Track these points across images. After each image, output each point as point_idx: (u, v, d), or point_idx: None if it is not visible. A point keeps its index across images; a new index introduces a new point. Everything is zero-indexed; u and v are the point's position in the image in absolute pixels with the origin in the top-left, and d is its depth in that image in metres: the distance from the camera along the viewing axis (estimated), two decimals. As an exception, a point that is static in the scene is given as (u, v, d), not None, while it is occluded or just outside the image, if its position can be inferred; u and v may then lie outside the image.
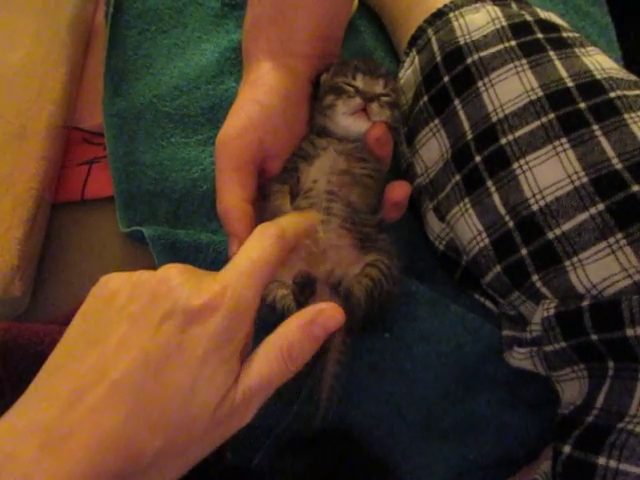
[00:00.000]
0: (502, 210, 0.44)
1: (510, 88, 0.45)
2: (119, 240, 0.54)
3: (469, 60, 0.47)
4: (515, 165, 0.43)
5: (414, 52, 0.52)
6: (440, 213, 0.50)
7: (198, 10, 0.61)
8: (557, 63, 0.45)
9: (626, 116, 0.42)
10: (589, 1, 0.67)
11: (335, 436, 0.46)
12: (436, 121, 0.49)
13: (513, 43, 0.46)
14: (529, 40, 0.46)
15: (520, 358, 0.45)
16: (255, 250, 0.35)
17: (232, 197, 0.42)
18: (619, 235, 0.39)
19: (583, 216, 0.41)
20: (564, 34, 0.47)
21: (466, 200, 0.46)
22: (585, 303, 0.40)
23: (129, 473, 0.29)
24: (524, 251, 0.43)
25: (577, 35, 0.48)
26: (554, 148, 0.42)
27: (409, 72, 0.53)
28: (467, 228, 0.47)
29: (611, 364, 0.40)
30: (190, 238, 0.52)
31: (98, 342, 0.31)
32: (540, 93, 0.44)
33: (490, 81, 0.46)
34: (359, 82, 0.45)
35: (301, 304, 0.42)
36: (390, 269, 0.44)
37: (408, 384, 0.47)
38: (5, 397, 0.42)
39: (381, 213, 0.46)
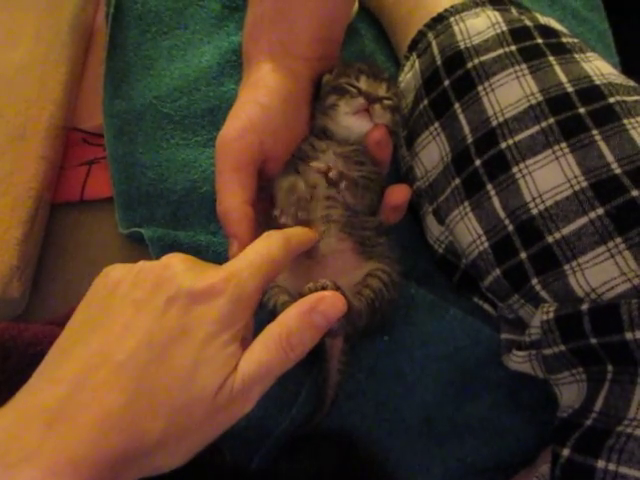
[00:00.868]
0: (502, 214, 0.44)
1: (510, 93, 0.45)
2: (118, 241, 0.54)
3: (469, 64, 0.47)
4: (515, 169, 0.44)
5: (414, 56, 0.52)
6: (440, 216, 0.50)
7: (199, 12, 0.61)
8: (557, 68, 0.45)
9: (625, 121, 0.42)
10: (587, 7, 0.67)
11: (333, 438, 0.46)
12: (436, 125, 0.49)
13: (513, 48, 0.47)
14: (529, 45, 0.47)
15: (519, 361, 0.45)
16: (262, 247, 0.36)
17: (232, 199, 0.42)
18: (618, 239, 0.39)
19: (582, 220, 0.41)
20: (564, 39, 0.48)
21: (466, 204, 0.47)
22: (584, 307, 0.40)
23: (133, 454, 0.29)
24: (523, 255, 0.43)
25: (576, 40, 0.48)
26: (554, 152, 0.43)
27: (409, 76, 0.53)
28: (466, 231, 0.47)
29: (610, 368, 0.40)
30: (189, 239, 0.52)
31: (102, 327, 0.32)
32: (540, 98, 0.44)
33: (490, 85, 0.46)
34: (362, 84, 0.45)
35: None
36: (391, 276, 0.44)
37: (407, 387, 0.47)
38: (4, 397, 0.42)
39: (380, 216, 0.47)
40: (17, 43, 0.56)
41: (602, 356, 0.40)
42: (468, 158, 0.46)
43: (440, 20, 0.51)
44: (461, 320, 0.48)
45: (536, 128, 0.44)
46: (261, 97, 0.44)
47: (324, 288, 0.38)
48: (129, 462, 0.29)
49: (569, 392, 0.43)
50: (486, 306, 0.50)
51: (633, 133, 0.41)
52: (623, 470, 0.36)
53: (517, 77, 0.45)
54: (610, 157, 0.41)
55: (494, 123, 0.45)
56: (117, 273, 0.34)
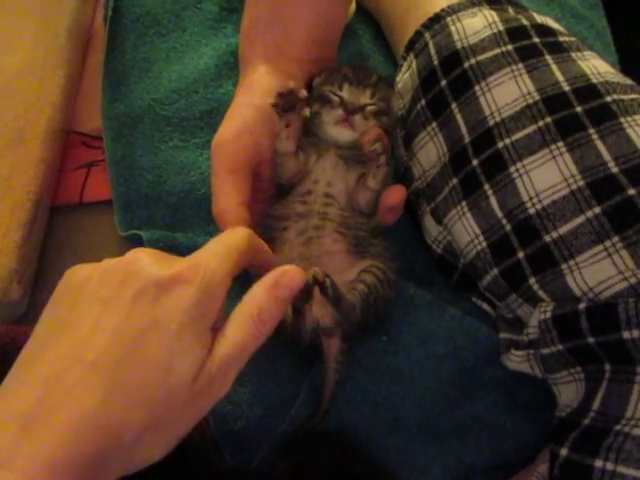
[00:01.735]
0: (499, 213, 0.44)
1: (507, 92, 0.45)
2: (117, 243, 0.55)
3: (466, 64, 0.47)
4: (512, 169, 0.44)
5: (411, 56, 0.52)
6: (437, 216, 0.50)
7: (196, 14, 0.61)
8: (554, 67, 0.45)
9: (622, 120, 0.42)
10: (585, 5, 0.67)
11: (332, 439, 0.46)
12: (433, 125, 0.49)
13: (510, 47, 0.46)
14: (526, 44, 0.47)
15: (517, 361, 0.45)
16: (228, 238, 0.36)
17: (227, 200, 0.42)
18: (615, 238, 0.39)
19: (579, 219, 0.41)
20: (560, 38, 0.48)
21: (463, 203, 0.47)
22: (582, 306, 0.40)
23: (113, 451, 0.29)
24: (521, 254, 0.43)
25: (573, 39, 0.48)
26: (551, 152, 0.43)
27: (406, 76, 0.53)
28: (464, 231, 0.47)
29: (608, 367, 0.40)
30: (188, 241, 0.52)
31: (71, 327, 0.31)
32: (537, 97, 0.44)
33: (487, 85, 0.46)
34: (345, 92, 0.45)
35: (299, 310, 0.42)
36: (385, 274, 0.44)
37: (405, 387, 0.47)
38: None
39: (376, 217, 0.47)
40: (16, 47, 0.56)
41: (600, 355, 0.40)
42: (465, 158, 0.46)
43: (437, 20, 0.51)
44: (460, 320, 0.48)
45: (533, 127, 0.44)
46: (256, 99, 0.44)
47: (315, 277, 0.39)
48: (109, 459, 0.29)
49: (567, 391, 0.43)
50: (484, 306, 0.50)
51: (630, 132, 0.41)
52: (621, 469, 0.36)
53: (514, 76, 0.45)
54: (607, 156, 0.41)
55: (491, 123, 0.45)
56: (83, 273, 0.34)
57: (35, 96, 0.55)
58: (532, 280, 0.43)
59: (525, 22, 0.48)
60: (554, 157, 0.42)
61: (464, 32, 0.48)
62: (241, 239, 0.36)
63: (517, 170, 0.43)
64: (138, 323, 0.31)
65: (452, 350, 0.48)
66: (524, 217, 0.43)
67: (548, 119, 0.43)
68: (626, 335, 0.38)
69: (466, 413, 0.47)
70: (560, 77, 0.45)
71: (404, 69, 0.54)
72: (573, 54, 0.47)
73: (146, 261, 0.33)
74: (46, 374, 0.30)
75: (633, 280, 0.39)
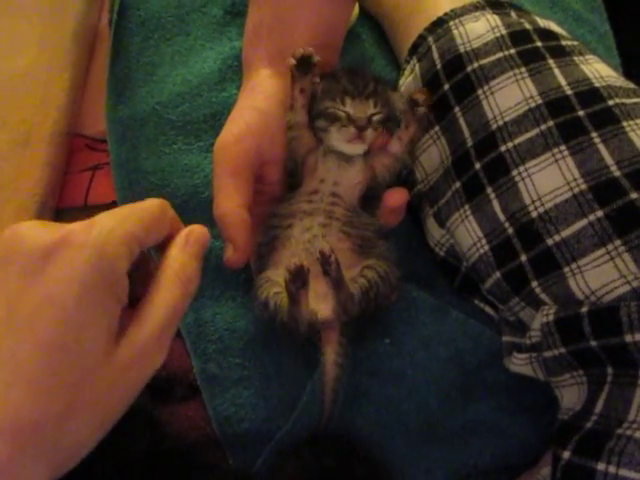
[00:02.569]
0: (502, 217, 0.44)
1: (510, 96, 0.45)
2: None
3: (469, 68, 0.47)
4: (514, 172, 0.44)
5: (414, 60, 0.53)
6: (440, 219, 0.50)
7: (201, 18, 0.62)
8: (556, 71, 0.45)
9: (624, 124, 0.42)
10: (588, 8, 0.67)
11: (335, 441, 0.47)
12: (436, 128, 0.49)
13: (513, 51, 0.47)
14: (528, 48, 0.47)
15: (520, 364, 0.45)
16: (137, 203, 0.33)
17: (228, 202, 0.42)
18: (618, 242, 0.40)
19: (582, 223, 0.41)
20: (563, 42, 0.48)
21: (466, 207, 0.47)
22: (584, 309, 0.40)
23: (33, 449, 0.27)
24: (523, 257, 0.43)
25: (576, 43, 0.49)
26: (553, 155, 0.43)
27: (409, 80, 0.53)
28: (467, 234, 0.47)
29: (610, 370, 0.40)
30: (192, 244, 0.52)
31: None
32: (539, 101, 0.44)
33: (490, 89, 0.46)
34: (349, 107, 0.44)
35: (294, 296, 0.42)
36: (387, 274, 0.44)
37: (408, 389, 0.47)
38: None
39: (380, 219, 0.47)
40: (21, 50, 0.56)
41: (602, 358, 0.40)
42: (468, 161, 0.47)
43: (440, 24, 0.51)
44: (462, 323, 0.48)
45: (535, 131, 0.44)
46: (259, 102, 0.45)
47: (322, 251, 0.40)
48: (33, 457, 0.27)
49: (570, 394, 0.43)
50: (487, 309, 0.50)
51: (632, 135, 0.42)
52: (623, 472, 0.36)
53: (516, 80, 0.46)
54: (609, 160, 0.41)
55: (494, 126, 0.45)
56: None
57: (40, 99, 0.55)
58: (534, 283, 0.43)
59: (528, 26, 0.48)
60: (556, 161, 0.43)
61: (467, 36, 0.49)
62: (153, 204, 0.33)
63: (520, 174, 0.44)
64: (29, 304, 0.28)
65: (455, 353, 0.48)
66: (526, 220, 0.43)
67: (550, 123, 0.43)
68: (628, 338, 0.38)
69: (469, 416, 0.47)
70: (562, 81, 0.45)
71: (407, 73, 0.54)
72: (576, 58, 0.47)
73: (28, 232, 0.29)
74: None
75: (635, 284, 0.39)
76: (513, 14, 0.51)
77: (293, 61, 0.43)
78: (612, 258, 0.40)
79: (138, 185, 0.55)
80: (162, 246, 0.35)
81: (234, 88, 0.57)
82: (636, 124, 0.42)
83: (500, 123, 0.45)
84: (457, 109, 0.48)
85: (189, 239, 0.34)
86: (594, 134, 0.42)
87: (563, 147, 0.42)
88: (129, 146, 0.57)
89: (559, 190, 0.42)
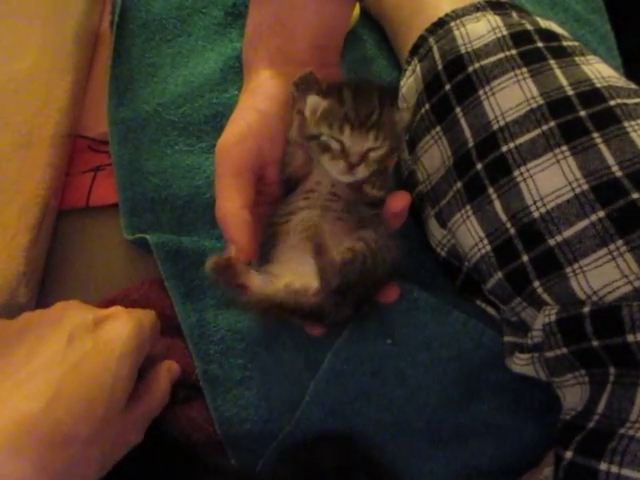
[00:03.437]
0: (503, 217, 0.44)
1: (511, 96, 0.45)
2: (124, 247, 0.55)
3: (470, 69, 0.47)
4: (516, 172, 0.44)
5: (415, 61, 0.53)
6: (442, 220, 0.50)
7: (202, 19, 0.62)
8: (557, 72, 0.45)
9: (626, 124, 0.42)
10: (589, 9, 0.67)
11: (337, 442, 0.47)
12: (437, 129, 0.50)
13: (514, 52, 0.47)
14: (530, 49, 0.47)
15: (521, 364, 0.45)
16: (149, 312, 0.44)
17: (230, 203, 0.42)
18: (619, 242, 0.40)
19: (583, 223, 0.41)
20: (564, 43, 0.48)
21: (467, 207, 0.47)
22: (586, 309, 0.40)
23: (60, 464, 0.32)
24: (525, 258, 0.43)
25: (577, 44, 0.49)
26: (555, 156, 0.43)
27: (410, 80, 0.53)
28: (468, 235, 0.47)
29: (612, 370, 0.40)
30: (194, 245, 0.52)
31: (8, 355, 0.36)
32: (541, 101, 0.44)
33: (491, 89, 0.46)
34: (346, 137, 0.41)
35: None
36: (380, 249, 0.42)
37: (410, 390, 0.47)
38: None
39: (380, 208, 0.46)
40: (23, 52, 0.56)
41: (604, 358, 0.40)
42: (469, 162, 0.47)
43: (441, 25, 0.51)
44: (464, 323, 0.48)
45: (537, 131, 0.44)
46: (260, 103, 0.45)
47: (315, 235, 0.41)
48: (59, 472, 0.32)
49: (572, 394, 0.43)
50: (489, 309, 0.50)
51: (634, 136, 0.42)
52: (626, 472, 0.36)
53: (518, 81, 0.46)
54: (611, 160, 0.41)
55: (495, 127, 0.45)
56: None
57: (42, 101, 0.55)
58: (536, 283, 0.43)
59: (529, 27, 0.48)
60: (558, 161, 0.43)
61: (468, 37, 0.49)
62: (155, 319, 0.43)
63: (521, 174, 0.44)
64: (79, 347, 0.35)
65: (456, 353, 0.48)
66: (528, 221, 0.43)
67: (552, 123, 0.44)
68: (630, 338, 0.38)
69: (471, 416, 0.47)
70: (564, 81, 0.45)
71: (408, 73, 0.54)
72: (577, 58, 0.47)
73: (80, 305, 0.40)
74: None
75: (637, 283, 0.39)
76: (514, 15, 0.51)
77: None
78: (614, 258, 0.40)
79: (140, 186, 0.55)
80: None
81: (235, 89, 0.57)
82: (638, 124, 0.42)
83: (501, 123, 0.45)
84: (458, 109, 0.48)
85: (172, 367, 0.45)
86: (596, 134, 0.42)
87: (565, 147, 0.43)
88: (131, 147, 0.57)
89: (561, 190, 0.42)
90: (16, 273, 0.48)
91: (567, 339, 0.41)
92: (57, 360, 0.34)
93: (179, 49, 0.60)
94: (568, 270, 0.41)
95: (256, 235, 0.42)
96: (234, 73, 0.58)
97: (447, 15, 0.51)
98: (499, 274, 0.45)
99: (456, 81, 0.48)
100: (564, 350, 0.41)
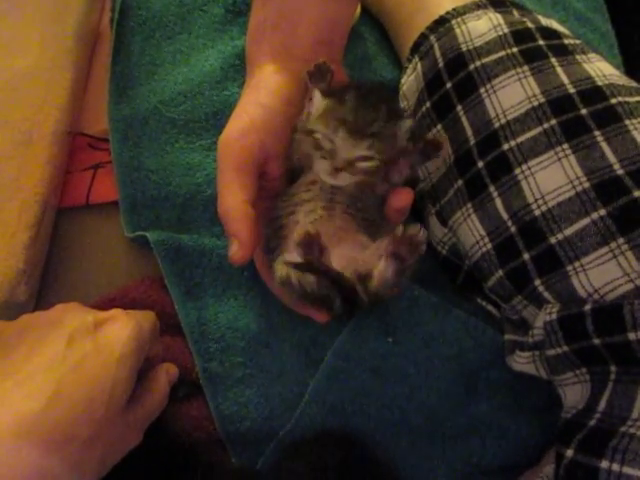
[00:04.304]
0: (504, 215, 0.44)
1: (512, 94, 0.45)
2: (124, 244, 0.55)
3: (471, 66, 0.47)
4: (517, 170, 0.44)
5: (416, 58, 0.53)
6: (442, 218, 0.50)
7: (202, 17, 0.61)
8: (559, 70, 0.45)
9: (627, 122, 0.42)
10: (590, 8, 0.67)
11: (338, 439, 0.47)
12: (438, 127, 0.49)
13: (515, 50, 0.47)
14: (531, 47, 0.47)
15: (522, 362, 0.45)
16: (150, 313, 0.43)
17: (233, 198, 0.42)
18: (621, 240, 0.39)
19: (585, 221, 0.41)
20: (565, 41, 0.48)
21: (468, 205, 0.47)
22: (587, 307, 0.40)
23: (57, 464, 0.32)
24: (526, 256, 0.43)
25: (578, 42, 0.49)
26: (556, 154, 0.43)
27: (411, 78, 0.53)
28: (469, 233, 0.47)
29: (613, 368, 0.40)
30: (194, 242, 0.52)
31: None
32: (542, 99, 0.44)
33: (492, 87, 0.46)
34: (339, 140, 0.40)
35: (313, 265, 0.40)
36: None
37: (410, 388, 0.47)
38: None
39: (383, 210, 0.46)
40: (23, 50, 0.56)
41: (605, 357, 0.40)
42: (471, 160, 0.47)
43: (442, 23, 0.51)
44: (465, 321, 0.48)
45: (538, 129, 0.44)
46: (262, 98, 0.45)
47: (304, 237, 0.40)
48: (55, 473, 0.32)
49: (573, 393, 0.43)
50: (489, 307, 0.50)
51: (635, 134, 0.41)
52: (627, 470, 0.36)
53: (519, 79, 0.46)
54: (612, 158, 0.41)
55: (496, 125, 0.45)
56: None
57: (42, 98, 0.55)
58: (537, 282, 0.43)
59: (530, 25, 0.48)
60: (559, 159, 0.42)
61: (469, 35, 0.49)
62: (154, 321, 0.42)
63: (522, 172, 0.44)
64: (79, 348, 0.35)
65: (457, 352, 0.48)
66: (529, 219, 0.43)
67: (553, 121, 0.43)
68: (631, 336, 0.38)
69: (471, 414, 0.47)
70: (565, 79, 0.45)
71: (409, 71, 0.54)
72: (578, 56, 0.47)
73: (79, 307, 0.39)
74: None
75: (638, 282, 0.39)
76: (515, 13, 0.51)
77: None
78: (615, 256, 0.40)
79: (140, 184, 0.55)
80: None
81: (235, 87, 0.57)
82: (639, 122, 0.42)
83: (503, 121, 0.45)
84: (459, 107, 0.48)
85: (170, 369, 0.44)
86: (597, 132, 0.42)
87: (566, 145, 0.42)
88: (131, 145, 0.57)
89: (562, 188, 0.42)
90: (16, 271, 0.48)
91: (568, 337, 0.41)
92: (57, 361, 0.34)
93: (179, 47, 0.60)
94: (569, 268, 0.41)
95: (259, 230, 0.42)
96: (234, 71, 0.58)
97: (448, 13, 0.51)
98: (500, 272, 0.45)
99: (457, 79, 0.48)
100: (565, 348, 0.41)
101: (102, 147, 0.59)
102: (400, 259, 0.40)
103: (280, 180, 0.47)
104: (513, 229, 0.44)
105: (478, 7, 0.50)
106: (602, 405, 0.39)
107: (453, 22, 0.50)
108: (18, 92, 0.55)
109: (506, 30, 0.48)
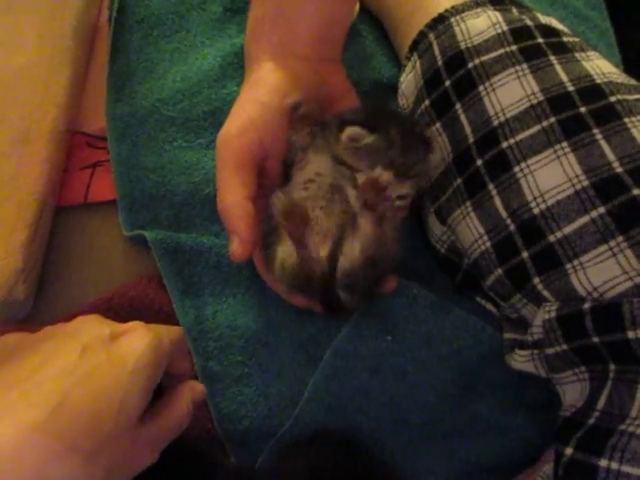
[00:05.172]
0: (503, 213, 0.44)
1: (511, 92, 0.45)
2: (122, 243, 0.55)
3: (470, 64, 0.47)
4: (516, 169, 0.44)
5: (415, 56, 0.53)
6: (441, 216, 0.50)
7: (200, 15, 0.61)
8: (558, 68, 0.45)
9: (626, 120, 0.42)
10: (589, 5, 0.67)
11: (337, 438, 0.47)
12: (437, 125, 0.49)
13: (514, 48, 0.47)
14: (530, 45, 0.47)
15: (521, 361, 0.45)
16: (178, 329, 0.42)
17: (232, 195, 0.42)
18: (620, 238, 0.39)
19: (584, 219, 0.41)
20: (564, 39, 0.48)
21: (467, 203, 0.47)
22: (586, 306, 0.40)
23: (62, 467, 0.31)
24: (525, 254, 0.43)
25: (577, 40, 0.48)
26: (555, 152, 0.43)
27: (410, 76, 0.53)
28: (468, 231, 0.47)
29: (612, 366, 0.40)
30: (192, 241, 0.52)
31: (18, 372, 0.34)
32: (541, 97, 0.44)
33: (491, 85, 0.46)
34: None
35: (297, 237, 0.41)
36: (386, 242, 0.43)
37: (409, 387, 0.47)
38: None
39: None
40: (21, 47, 0.56)
41: (604, 355, 0.40)
42: (469, 158, 0.46)
43: (441, 21, 0.51)
44: (464, 320, 0.48)
45: (537, 127, 0.44)
46: (261, 96, 0.45)
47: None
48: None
49: (572, 391, 0.43)
50: (488, 306, 0.50)
51: (634, 132, 0.41)
52: (626, 469, 0.36)
53: (518, 77, 0.45)
54: (611, 156, 0.41)
55: (495, 123, 0.45)
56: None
57: (40, 97, 0.55)
58: (536, 280, 0.43)
59: (529, 22, 0.48)
60: (558, 157, 0.42)
61: (468, 33, 0.49)
62: (179, 335, 0.41)
63: (521, 170, 0.43)
64: (92, 359, 0.34)
65: (456, 350, 0.48)
66: (528, 217, 0.43)
67: (552, 119, 0.43)
68: (631, 335, 0.38)
69: (470, 413, 0.48)
70: (564, 77, 0.45)
71: (408, 69, 0.54)
72: (577, 54, 0.47)
73: (98, 319, 0.38)
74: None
75: (637, 280, 0.39)
76: (514, 10, 0.50)
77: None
78: (614, 254, 0.40)
79: (138, 182, 0.55)
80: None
81: (234, 85, 0.57)
82: (638, 120, 0.42)
83: (502, 119, 0.45)
84: (458, 106, 0.48)
85: (195, 387, 0.41)
86: (596, 130, 0.42)
87: (565, 144, 0.42)
88: (129, 143, 0.57)
89: (561, 187, 0.42)
90: (14, 270, 0.48)
91: (567, 335, 0.41)
92: (67, 371, 0.33)
93: (177, 45, 0.60)
94: (568, 266, 0.41)
95: (258, 227, 0.42)
96: (233, 69, 0.58)
97: (447, 11, 0.51)
98: (499, 270, 0.45)
99: (456, 77, 0.48)
100: (564, 346, 0.41)
101: (100, 145, 0.59)
102: (372, 209, 0.40)
103: (278, 178, 0.47)
104: (512, 227, 0.44)
105: (477, 5, 0.50)
106: (601, 403, 0.39)
107: (452, 20, 0.50)
108: (15, 90, 0.54)
109: (505, 28, 0.48)
